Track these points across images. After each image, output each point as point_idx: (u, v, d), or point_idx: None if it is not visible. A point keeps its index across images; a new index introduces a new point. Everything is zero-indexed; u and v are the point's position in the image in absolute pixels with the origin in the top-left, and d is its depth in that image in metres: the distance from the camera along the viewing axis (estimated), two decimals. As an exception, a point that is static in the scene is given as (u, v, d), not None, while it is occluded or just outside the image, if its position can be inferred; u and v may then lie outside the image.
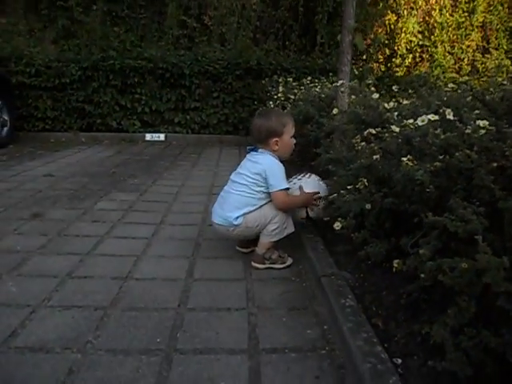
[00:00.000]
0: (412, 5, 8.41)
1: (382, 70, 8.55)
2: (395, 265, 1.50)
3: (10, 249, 2.38)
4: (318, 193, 2.32)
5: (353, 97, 3.17)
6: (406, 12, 8.47)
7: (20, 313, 1.72)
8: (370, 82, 4.25)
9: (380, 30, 8.57)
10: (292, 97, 5.74)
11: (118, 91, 6.90)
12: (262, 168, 2.17)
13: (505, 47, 8.59)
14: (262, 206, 2.22)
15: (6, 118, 5.99)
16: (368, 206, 1.83)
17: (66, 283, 2.00)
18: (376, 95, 2.46)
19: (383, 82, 7.15)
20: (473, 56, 8.56)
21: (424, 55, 8.61)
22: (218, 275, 2.12)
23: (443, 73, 8.02)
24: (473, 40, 8.55)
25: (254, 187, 2.20)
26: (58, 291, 1.92)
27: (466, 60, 8.51)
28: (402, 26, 8.37)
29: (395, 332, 1.52)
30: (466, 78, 6.72)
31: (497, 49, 8.57)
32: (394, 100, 2.88)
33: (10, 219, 2.88)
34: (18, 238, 2.55)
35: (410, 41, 8.46)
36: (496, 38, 8.62)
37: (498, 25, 8.57)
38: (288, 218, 2.27)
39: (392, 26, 8.47)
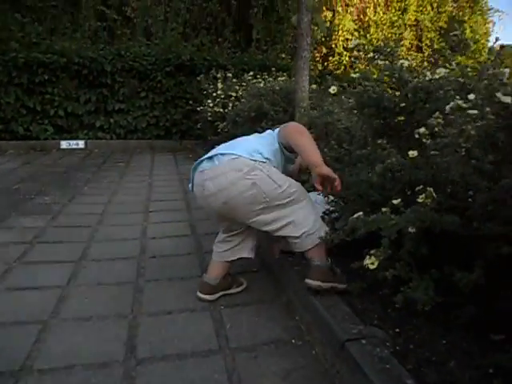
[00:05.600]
0: (347, 1, 8.16)
1: (319, 68, 8.22)
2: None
3: None
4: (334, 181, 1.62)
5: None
6: (341, 9, 8.22)
7: None
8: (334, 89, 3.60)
9: (316, 28, 8.23)
10: (234, 94, 5.10)
11: (24, 91, 5.75)
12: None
13: (436, 46, 8.64)
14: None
15: None
16: (412, 229, 1.18)
17: None
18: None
19: (324, 79, 6.78)
20: (408, 54, 8.49)
21: (361, 53, 8.39)
22: (178, 347, 1.36)
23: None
24: (406, 38, 8.52)
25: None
26: None
27: (401, 58, 8.43)
28: (338, 23, 8.09)
29: None
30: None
31: (429, 47, 8.60)
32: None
33: None
34: None
35: (347, 39, 8.21)
36: (427, 38, 8.67)
37: (428, 24, 8.61)
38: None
39: (328, 24, 8.14)
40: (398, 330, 1.32)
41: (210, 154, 1.56)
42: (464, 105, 0.96)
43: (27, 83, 5.72)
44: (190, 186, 1.65)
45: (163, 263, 2.04)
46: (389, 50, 1.40)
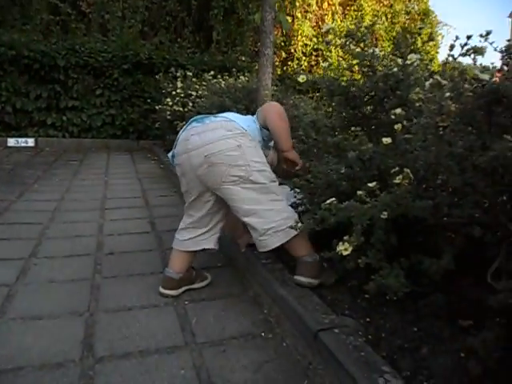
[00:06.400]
0: (306, 7, 8.29)
1: (279, 73, 8.28)
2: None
3: None
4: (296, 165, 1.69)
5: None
6: (300, 15, 8.34)
7: None
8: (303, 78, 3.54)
9: (276, 32, 8.30)
10: (194, 93, 5.01)
11: (-33, 84, 5.39)
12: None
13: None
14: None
15: None
16: (384, 215, 1.17)
17: None
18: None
19: (284, 83, 6.89)
20: (364, 61, 8.73)
21: (319, 59, 8.55)
22: (140, 344, 1.27)
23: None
24: (362, 46, 8.78)
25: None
26: None
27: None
28: (298, 29, 8.21)
29: None
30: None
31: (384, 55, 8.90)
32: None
33: None
34: None
35: (306, 44, 8.35)
36: (382, 47, 8.97)
37: (383, 33, 8.92)
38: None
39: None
40: (368, 319, 1.30)
41: (200, 116, 1.56)
42: (444, 81, 0.96)
43: (-30, 76, 5.36)
44: (170, 153, 1.59)
45: (122, 260, 1.93)
46: (360, 35, 1.40)
